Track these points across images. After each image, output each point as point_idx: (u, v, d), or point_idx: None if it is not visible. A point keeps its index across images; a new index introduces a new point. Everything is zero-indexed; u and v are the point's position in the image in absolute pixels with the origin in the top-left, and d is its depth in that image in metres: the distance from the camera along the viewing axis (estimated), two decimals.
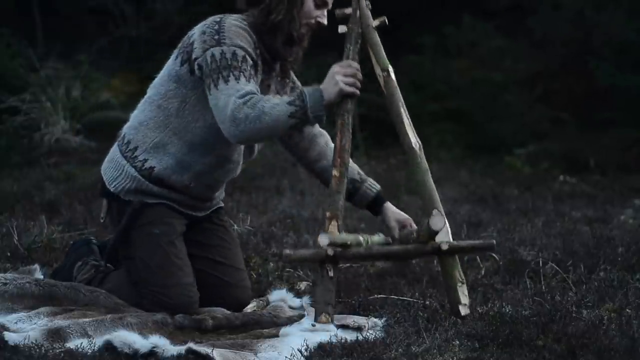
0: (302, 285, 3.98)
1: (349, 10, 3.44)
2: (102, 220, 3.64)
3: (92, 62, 8.92)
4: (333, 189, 3.26)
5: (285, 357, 3.01)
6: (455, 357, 2.93)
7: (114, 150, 3.54)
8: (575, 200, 6.76)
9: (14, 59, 8.61)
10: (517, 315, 3.22)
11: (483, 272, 4.16)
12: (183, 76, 3.41)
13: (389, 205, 3.67)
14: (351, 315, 3.48)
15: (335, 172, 3.28)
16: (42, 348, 2.96)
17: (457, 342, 3.03)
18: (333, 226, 3.20)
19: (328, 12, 3.51)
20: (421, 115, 8.66)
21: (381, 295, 3.58)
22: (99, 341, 3.03)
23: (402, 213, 3.65)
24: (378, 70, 3.41)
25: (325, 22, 3.50)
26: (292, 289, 3.87)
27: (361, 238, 3.32)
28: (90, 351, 2.97)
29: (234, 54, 3.32)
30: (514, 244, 4.62)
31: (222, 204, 3.75)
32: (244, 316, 3.42)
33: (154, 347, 3.02)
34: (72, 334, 3.09)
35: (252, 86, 3.31)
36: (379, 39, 3.41)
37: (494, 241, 3.39)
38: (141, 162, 3.45)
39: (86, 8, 10.42)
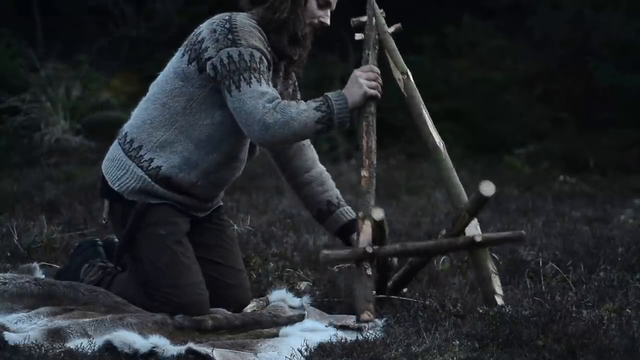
0: (302, 285, 3.98)
1: (364, 18, 3.54)
2: (104, 222, 3.62)
3: (92, 62, 8.92)
4: (363, 189, 3.32)
5: (285, 357, 3.01)
6: (455, 357, 2.93)
7: (116, 149, 3.51)
8: (575, 200, 6.76)
9: (14, 59, 8.61)
10: (517, 315, 3.22)
11: None
12: (190, 74, 3.40)
13: None
14: (351, 316, 3.48)
15: (364, 173, 3.35)
16: (42, 348, 2.96)
17: (457, 342, 3.03)
18: (367, 225, 3.24)
19: (333, 16, 3.53)
20: None
21: (381, 295, 3.58)
22: (99, 341, 3.03)
23: None
24: (397, 74, 3.52)
25: (328, 22, 3.52)
26: (292, 289, 3.87)
27: None
28: (90, 351, 2.97)
29: (251, 56, 3.32)
30: (514, 244, 4.61)
31: (221, 203, 3.75)
32: (244, 316, 3.42)
33: (154, 347, 3.02)
34: (72, 334, 3.09)
35: (272, 89, 3.34)
36: (395, 45, 3.52)
37: (523, 232, 3.46)
38: (147, 162, 3.43)
39: (86, 8, 10.42)
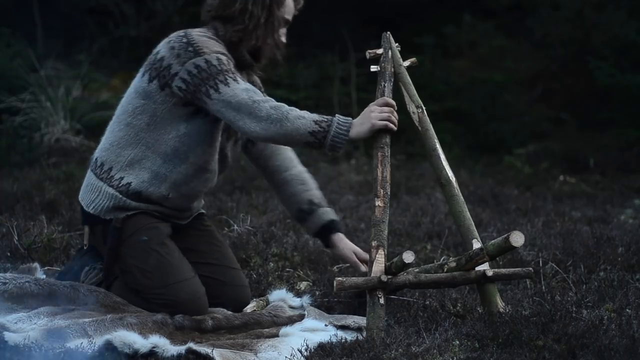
0: (302, 285, 3.98)
1: (380, 51, 3.57)
2: (85, 247, 3.66)
3: (92, 62, 8.91)
4: (378, 218, 3.33)
5: (285, 357, 3.01)
6: (455, 357, 2.93)
7: (88, 176, 3.58)
8: (575, 200, 6.76)
9: (14, 58, 8.60)
10: (517, 315, 3.22)
11: None
12: (152, 92, 3.46)
13: (342, 237, 3.71)
14: (351, 316, 3.48)
15: (379, 203, 3.36)
16: (42, 348, 2.96)
17: (457, 342, 3.03)
18: (380, 255, 3.26)
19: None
20: None
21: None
22: (99, 341, 3.03)
23: (354, 245, 3.71)
24: (412, 108, 3.57)
25: (284, 40, 3.60)
26: (292, 289, 3.87)
27: None
28: (90, 351, 2.97)
29: (219, 60, 3.38)
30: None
31: (203, 211, 3.78)
32: (243, 316, 3.42)
33: (154, 347, 3.02)
34: (72, 334, 3.09)
35: (250, 85, 3.37)
36: (409, 78, 3.58)
37: (532, 269, 3.48)
38: (117, 181, 3.49)
39: (86, 8, 10.41)
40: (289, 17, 3.60)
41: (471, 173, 7.99)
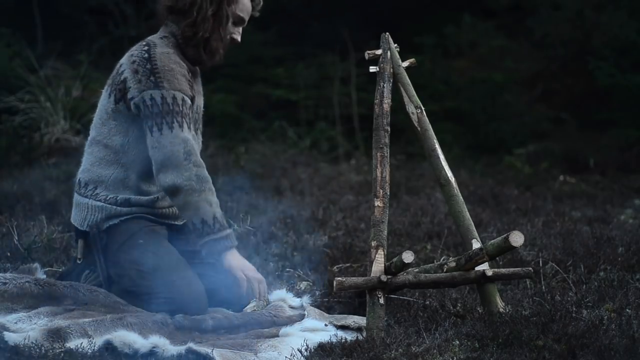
0: (302, 285, 3.98)
1: (379, 52, 3.59)
2: (79, 262, 3.67)
3: (92, 62, 8.91)
4: (377, 218, 3.34)
5: (285, 357, 3.01)
6: (455, 357, 2.93)
7: (75, 198, 3.62)
8: (575, 200, 6.76)
9: (13, 58, 8.60)
10: (517, 315, 3.22)
11: None
12: (121, 112, 3.51)
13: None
14: (351, 316, 3.48)
15: (378, 203, 3.37)
16: (42, 348, 2.96)
17: (457, 342, 3.03)
18: (380, 255, 3.26)
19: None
20: None
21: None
22: (99, 341, 3.03)
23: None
24: (411, 108, 3.58)
25: (239, 39, 3.65)
26: (292, 288, 3.86)
27: None
28: (90, 351, 2.97)
29: (174, 99, 3.42)
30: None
31: None
32: (243, 316, 3.42)
33: (154, 347, 3.02)
34: (72, 334, 3.09)
35: (192, 135, 3.44)
36: (408, 79, 3.59)
37: (532, 269, 3.48)
38: (104, 197, 3.55)
39: (86, 8, 10.41)
40: (244, 15, 3.64)
41: (471, 173, 7.99)
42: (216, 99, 8.87)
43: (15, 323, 3.21)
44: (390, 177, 3.42)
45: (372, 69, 3.60)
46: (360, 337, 3.15)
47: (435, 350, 2.95)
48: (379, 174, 3.40)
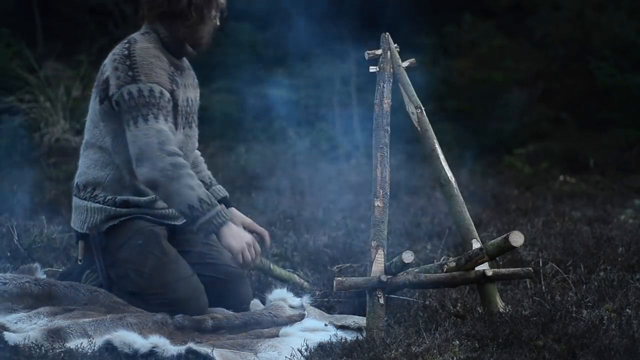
0: (303, 283, 3.97)
1: (379, 52, 3.59)
2: (79, 262, 3.67)
3: (92, 62, 8.91)
4: (377, 218, 3.34)
5: (285, 357, 3.01)
6: (455, 357, 2.93)
7: (74, 202, 3.62)
8: (575, 200, 6.76)
9: (13, 59, 8.60)
10: (517, 315, 3.22)
11: None
12: (108, 112, 3.50)
13: (234, 210, 3.77)
14: (351, 315, 3.48)
15: (378, 203, 3.37)
16: (42, 348, 2.96)
17: (457, 342, 3.03)
18: (380, 255, 3.26)
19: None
20: None
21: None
22: (99, 341, 3.03)
23: (246, 217, 3.77)
24: (411, 108, 3.58)
25: (218, 23, 3.64)
26: (292, 288, 3.86)
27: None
28: (90, 351, 2.97)
29: (151, 91, 3.42)
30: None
31: None
32: (243, 316, 3.42)
33: (154, 347, 3.02)
34: (72, 334, 3.09)
35: (169, 127, 3.42)
36: (408, 79, 3.59)
37: (532, 269, 3.48)
38: (102, 198, 3.54)
39: (86, 8, 10.41)
40: (224, 1, 3.65)
41: (471, 173, 7.99)
42: (216, 99, 8.86)
43: (15, 323, 3.21)
44: (390, 177, 3.42)
45: (372, 69, 3.60)
46: (360, 337, 3.15)
47: (435, 350, 2.95)
48: (378, 174, 3.40)
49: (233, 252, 3.40)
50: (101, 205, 3.52)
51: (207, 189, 3.72)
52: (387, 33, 3.60)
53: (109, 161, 3.53)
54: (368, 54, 3.58)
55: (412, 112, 3.58)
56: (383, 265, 3.26)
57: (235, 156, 7.81)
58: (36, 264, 3.92)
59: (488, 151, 9.16)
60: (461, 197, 3.51)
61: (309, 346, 3.04)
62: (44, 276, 3.80)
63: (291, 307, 3.61)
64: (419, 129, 3.57)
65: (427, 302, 3.56)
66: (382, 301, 3.23)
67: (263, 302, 3.71)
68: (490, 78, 9.73)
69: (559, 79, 9.98)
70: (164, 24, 3.56)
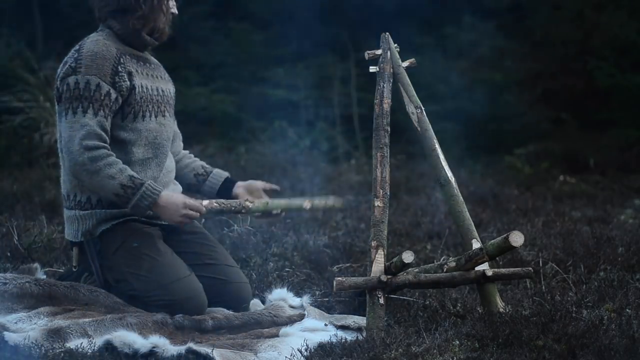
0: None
1: (379, 52, 3.60)
2: (74, 269, 3.66)
3: None
4: (377, 218, 3.34)
5: (285, 357, 3.01)
6: (455, 357, 2.93)
7: (65, 214, 3.63)
8: (575, 200, 6.76)
9: (13, 59, 8.60)
10: (517, 315, 3.22)
11: None
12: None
13: (239, 183, 3.84)
14: (351, 315, 3.48)
15: (378, 203, 3.38)
16: (42, 348, 2.96)
17: (457, 342, 3.03)
18: (380, 255, 3.27)
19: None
20: None
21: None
22: (99, 341, 3.03)
23: (254, 181, 3.87)
24: (411, 108, 3.58)
25: (176, 11, 3.67)
26: (292, 288, 3.86)
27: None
28: (90, 351, 2.97)
29: (87, 83, 3.44)
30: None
31: None
32: (243, 316, 3.42)
33: (154, 347, 3.02)
34: (72, 334, 3.09)
35: (96, 122, 3.41)
36: (408, 79, 3.59)
37: (532, 269, 3.49)
38: (87, 202, 3.53)
39: (86, 8, 10.41)
40: None
41: (471, 173, 7.99)
42: (216, 99, 8.87)
43: (15, 323, 3.21)
44: (390, 177, 3.42)
45: (372, 69, 3.60)
46: (360, 337, 3.15)
47: (435, 350, 2.95)
48: (379, 174, 3.41)
49: (175, 223, 3.47)
50: (89, 211, 3.52)
51: (205, 178, 3.82)
52: (387, 33, 3.60)
53: None
54: (368, 54, 3.59)
55: (412, 112, 3.58)
56: (383, 265, 3.27)
57: (235, 156, 7.81)
58: (36, 264, 3.92)
59: (488, 151, 9.17)
60: (461, 197, 3.51)
61: (309, 346, 3.04)
62: (44, 276, 3.81)
63: (291, 307, 3.62)
64: (419, 129, 3.57)
65: (427, 302, 3.56)
66: (382, 301, 3.23)
67: (263, 302, 3.71)
68: (490, 78, 9.74)
69: (559, 79, 9.98)
70: (117, 19, 3.57)
